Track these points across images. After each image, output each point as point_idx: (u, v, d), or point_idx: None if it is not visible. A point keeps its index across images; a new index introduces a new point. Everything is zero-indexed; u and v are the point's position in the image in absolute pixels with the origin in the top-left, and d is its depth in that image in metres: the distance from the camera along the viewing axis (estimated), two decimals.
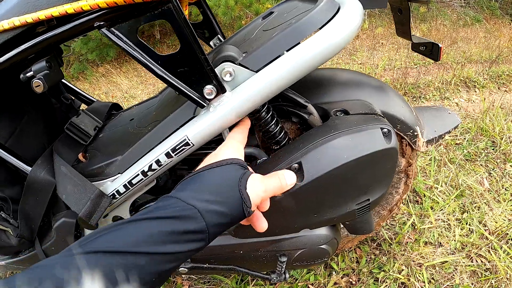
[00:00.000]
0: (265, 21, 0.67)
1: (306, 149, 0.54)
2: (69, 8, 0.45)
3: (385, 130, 0.57)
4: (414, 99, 1.82)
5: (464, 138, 1.42)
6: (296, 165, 0.54)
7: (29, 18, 0.48)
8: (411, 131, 0.72)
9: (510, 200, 1.12)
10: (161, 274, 0.34)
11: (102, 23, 0.46)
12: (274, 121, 0.57)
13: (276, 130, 0.58)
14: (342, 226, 0.75)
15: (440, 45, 0.71)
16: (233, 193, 0.39)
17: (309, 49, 0.49)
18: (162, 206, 0.36)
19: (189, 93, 0.49)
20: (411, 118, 0.73)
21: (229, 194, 0.39)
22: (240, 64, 0.50)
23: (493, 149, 1.37)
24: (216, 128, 0.51)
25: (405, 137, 0.73)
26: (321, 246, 0.65)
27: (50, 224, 0.71)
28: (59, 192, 0.61)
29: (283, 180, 0.47)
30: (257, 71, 0.50)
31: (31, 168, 0.63)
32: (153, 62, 0.48)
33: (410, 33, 0.73)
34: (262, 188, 0.43)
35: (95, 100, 0.89)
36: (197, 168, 0.43)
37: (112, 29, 0.47)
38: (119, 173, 0.60)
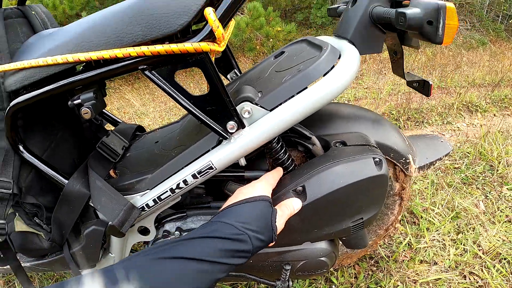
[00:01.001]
0: (277, 61, 0.82)
1: (309, 174, 0.67)
2: (119, 53, 0.59)
3: (377, 159, 0.70)
4: (416, 124, 1.97)
5: (463, 162, 1.55)
6: (301, 187, 0.67)
7: (82, 56, 0.62)
8: (404, 159, 0.86)
9: (505, 222, 1.24)
10: (216, 281, 0.48)
11: (145, 66, 0.61)
12: (283, 150, 0.71)
13: (284, 157, 0.72)
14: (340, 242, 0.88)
15: (430, 82, 0.85)
16: (268, 226, 0.56)
17: (315, 93, 0.63)
18: (220, 228, 0.51)
19: (215, 127, 0.63)
20: (404, 147, 0.86)
21: (266, 226, 0.55)
22: (256, 104, 0.64)
23: (490, 173, 1.49)
24: (235, 156, 0.65)
25: (398, 164, 0.86)
26: (321, 259, 0.78)
27: (78, 230, 0.85)
28: (94, 203, 0.75)
29: (295, 206, 0.64)
30: (271, 110, 0.64)
31: (67, 180, 0.77)
32: (186, 100, 0.62)
33: (404, 72, 0.87)
34: (282, 221, 0.60)
35: (120, 121, 1.04)
36: (237, 200, 0.59)
37: (153, 71, 0.61)
38: (148, 189, 0.74)
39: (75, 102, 0.66)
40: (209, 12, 0.56)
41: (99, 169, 0.82)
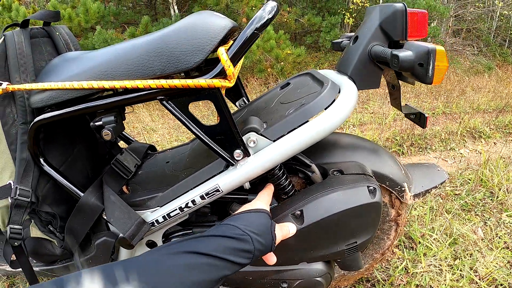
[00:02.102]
0: (283, 92, 0.90)
1: (307, 200, 0.74)
2: (140, 84, 0.68)
3: (371, 187, 0.77)
4: (420, 150, 2.03)
5: (463, 189, 1.59)
6: (299, 212, 0.74)
7: (107, 84, 0.70)
8: (399, 187, 0.92)
9: (503, 248, 1.28)
10: (222, 278, 0.54)
11: (163, 97, 0.69)
12: (284, 176, 0.78)
13: (285, 183, 0.79)
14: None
15: (426, 115, 0.92)
16: (268, 232, 0.63)
17: (315, 126, 0.70)
18: (227, 229, 0.58)
19: (223, 154, 0.71)
20: (399, 176, 0.92)
21: (266, 232, 0.62)
22: (261, 135, 0.72)
23: (490, 199, 1.53)
24: (241, 181, 0.72)
25: (393, 192, 0.92)
26: (316, 279, 0.83)
27: (89, 240, 0.92)
28: (107, 216, 0.82)
29: (290, 230, 0.72)
30: (274, 141, 0.72)
31: (82, 193, 0.85)
32: (198, 129, 0.70)
33: (401, 105, 0.94)
34: (280, 233, 0.67)
35: (133, 139, 1.12)
36: (241, 211, 0.67)
37: (170, 102, 0.70)
38: (158, 206, 0.81)
39: (97, 123, 0.75)
40: (221, 52, 0.64)
41: (113, 184, 0.89)
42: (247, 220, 0.62)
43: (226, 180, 0.73)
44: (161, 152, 1.07)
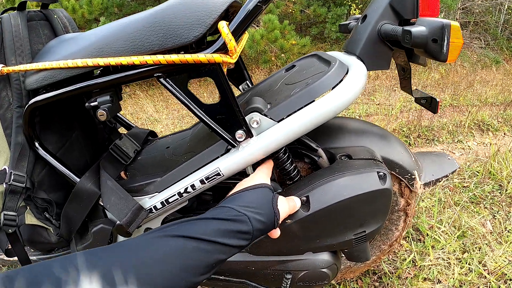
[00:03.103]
0: (288, 74, 0.85)
1: (313, 185, 0.70)
2: (136, 60, 0.63)
3: (381, 173, 0.72)
4: (427, 142, 1.97)
5: (472, 181, 1.54)
6: (304, 198, 0.69)
7: (101, 62, 0.66)
8: (409, 174, 0.87)
9: None
10: (217, 263, 0.49)
11: (160, 74, 0.65)
12: (289, 161, 0.74)
13: (290, 168, 0.74)
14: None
15: (437, 100, 0.87)
16: (269, 208, 0.58)
17: (321, 106, 0.66)
18: (221, 211, 0.53)
19: (224, 135, 0.66)
20: (410, 163, 0.88)
21: (266, 208, 0.57)
22: (265, 115, 0.67)
23: (499, 192, 1.48)
24: (243, 164, 0.68)
25: (403, 180, 0.87)
26: (322, 270, 0.79)
27: (86, 228, 0.88)
28: (103, 202, 0.78)
29: (296, 203, 0.67)
30: (278, 121, 0.67)
31: (79, 178, 0.81)
32: (198, 108, 0.66)
33: (411, 89, 0.89)
34: (286, 206, 0.63)
35: (133, 125, 1.08)
36: (239, 189, 0.61)
37: (168, 79, 0.65)
38: (156, 192, 0.77)
39: (92, 104, 0.71)
40: (222, 25, 0.60)
41: (111, 170, 0.85)
42: (244, 199, 0.57)
43: (227, 163, 0.68)
44: (162, 138, 1.03)
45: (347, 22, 0.96)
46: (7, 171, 0.82)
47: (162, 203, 0.75)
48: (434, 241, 1.22)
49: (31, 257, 0.94)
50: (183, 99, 0.65)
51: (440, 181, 0.97)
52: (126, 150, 0.89)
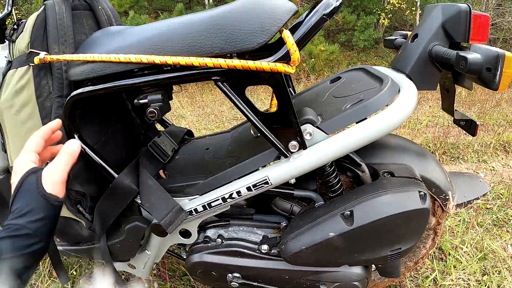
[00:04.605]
0: (334, 86, 0.92)
1: (358, 200, 0.77)
2: (195, 61, 0.69)
3: (422, 193, 0.80)
4: (452, 160, 2.07)
5: (495, 204, 1.64)
6: (349, 212, 0.77)
7: (157, 59, 0.70)
8: (444, 195, 0.96)
9: None
10: (19, 273, 0.56)
11: (218, 78, 0.71)
12: (334, 174, 0.81)
13: (334, 181, 0.82)
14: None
15: (477, 123, 0.95)
16: (39, 200, 0.60)
17: (374, 124, 0.73)
18: (7, 226, 0.58)
19: (277, 144, 0.73)
20: (445, 184, 0.96)
21: (37, 202, 0.60)
22: (317, 127, 0.75)
23: None
24: (292, 175, 0.75)
25: (438, 199, 0.96)
26: (354, 283, 0.87)
27: (118, 224, 0.94)
28: (142, 200, 0.85)
29: (69, 153, 0.67)
30: (330, 135, 0.75)
31: (117, 174, 0.87)
32: (254, 115, 0.73)
33: (453, 110, 0.97)
34: (55, 177, 0.62)
35: (169, 122, 1.15)
36: (14, 190, 0.62)
37: (225, 83, 0.72)
38: (197, 194, 0.84)
39: (141, 101, 0.77)
40: (288, 35, 0.66)
41: (149, 168, 0.92)
42: (18, 204, 0.60)
43: (277, 173, 0.76)
44: (199, 138, 1.10)
45: (393, 37, 1.03)
46: None
47: (203, 206, 0.82)
48: (456, 261, 1.31)
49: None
50: (240, 104, 0.72)
51: (471, 203, 1.06)
52: (164, 148, 0.96)
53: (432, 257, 1.33)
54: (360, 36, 4.79)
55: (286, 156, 0.75)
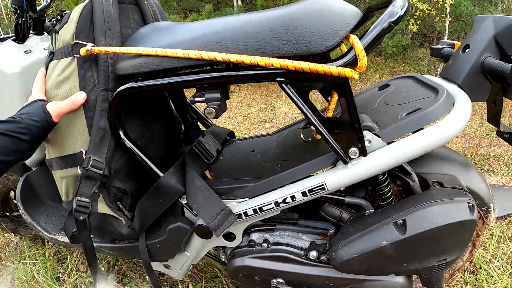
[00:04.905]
0: (384, 93, 0.99)
1: (411, 210, 0.83)
2: (261, 61, 0.72)
3: (470, 204, 0.87)
4: (482, 171, 2.15)
5: None
6: (401, 221, 0.83)
7: (219, 56, 0.73)
8: (486, 207, 1.02)
9: None
10: (15, 150, 0.83)
11: (283, 79, 0.76)
12: (386, 182, 0.87)
13: (386, 190, 0.88)
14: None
15: None
16: (39, 111, 0.87)
17: (432, 135, 0.79)
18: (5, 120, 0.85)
19: (338, 149, 0.79)
20: (488, 195, 1.03)
21: (38, 112, 0.87)
22: (376, 134, 0.81)
23: None
24: (349, 181, 0.81)
25: (480, 211, 1.03)
26: None
27: (158, 223, 0.99)
28: (189, 201, 0.90)
29: (75, 100, 0.91)
30: (388, 143, 0.81)
31: (162, 173, 0.92)
32: (316, 119, 0.78)
33: (499, 122, 1.04)
34: (56, 107, 0.89)
35: (211, 122, 1.20)
36: (21, 107, 0.91)
37: (289, 85, 0.77)
38: (247, 197, 0.90)
39: (197, 99, 0.81)
40: (356, 40, 0.71)
41: (195, 168, 0.97)
42: (22, 110, 0.89)
43: (334, 178, 0.81)
44: (242, 139, 1.15)
45: (440, 46, 1.10)
46: (84, 155, 0.92)
47: (254, 210, 0.88)
48: (487, 275, 1.39)
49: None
50: (303, 107, 0.77)
51: (510, 216, 1.13)
52: (209, 148, 1.01)
53: (464, 270, 1.40)
54: (388, 42, 4.96)
55: (345, 162, 0.80)
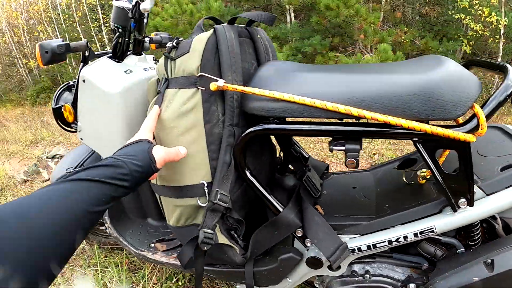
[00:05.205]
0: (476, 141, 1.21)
1: (498, 251, 1.06)
2: (405, 124, 0.88)
3: None
4: None
5: None
6: (490, 260, 1.06)
7: (368, 114, 0.88)
8: None
9: None
10: (110, 198, 0.77)
11: (417, 139, 0.94)
12: (478, 225, 1.10)
13: (476, 233, 1.10)
14: None
15: None
16: (145, 155, 0.87)
17: None
18: (105, 160, 0.82)
19: (451, 199, 0.99)
20: None
21: (143, 156, 0.87)
22: (479, 187, 1.03)
23: None
24: (455, 226, 1.02)
25: None
26: None
27: (266, 252, 1.15)
28: (309, 236, 1.07)
29: (179, 152, 0.98)
30: (488, 195, 1.03)
31: (281, 208, 1.08)
32: (439, 174, 0.98)
33: None
34: (163, 154, 0.92)
35: (308, 154, 1.36)
36: (124, 145, 0.92)
37: (420, 144, 0.96)
38: (359, 234, 1.08)
39: (337, 148, 0.98)
40: (480, 110, 0.91)
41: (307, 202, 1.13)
42: (123, 151, 0.88)
43: (443, 223, 1.02)
44: (338, 173, 1.33)
45: None
46: (205, 187, 1.05)
47: (368, 246, 1.06)
48: None
49: None
50: (430, 163, 0.96)
51: None
52: (315, 183, 1.18)
53: None
54: None
55: (454, 210, 1.01)
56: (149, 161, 0.87)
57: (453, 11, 6.62)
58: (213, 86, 0.97)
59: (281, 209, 1.08)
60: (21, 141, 6.36)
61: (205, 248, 1.05)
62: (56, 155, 4.54)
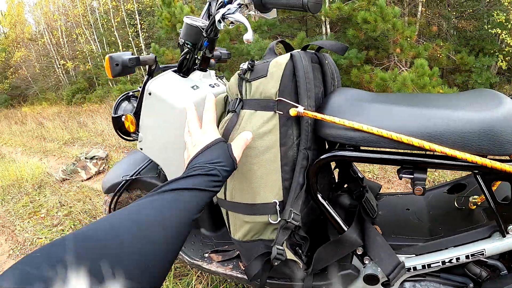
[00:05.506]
0: None
1: None
2: (469, 158, 1.05)
3: None
4: None
5: None
6: None
7: (438, 148, 1.02)
8: None
9: None
10: (204, 205, 0.87)
11: (477, 171, 1.13)
12: None
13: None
14: None
15: None
16: (228, 158, 0.98)
17: None
18: (199, 169, 0.91)
19: (502, 225, 1.19)
20: None
21: (227, 160, 0.97)
22: None
23: None
24: (503, 250, 1.20)
25: None
26: None
27: (325, 267, 1.31)
28: (372, 255, 1.24)
29: (247, 140, 1.07)
30: None
31: (346, 227, 1.26)
32: (493, 204, 1.17)
33: None
34: (239, 152, 1.02)
35: (362, 175, 1.54)
36: (201, 148, 0.99)
37: (479, 176, 1.15)
38: (414, 254, 1.27)
39: (405, 176, 1.16)
40: None
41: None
42: (210, 157, 0.96)
43: (493, 247, 1.21)
44: (390, 194, 1.52)
45: None
46: (277, 206, 1.22)
47: (423, 266, 1.24)
48: None
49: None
50: (487, 194, 1.16)
51: None
52: (372, 203, 1.37)
53: None
54: (477, 79, 5.62)
55: (504, 236, 1.22)
56: (233, 164, 0.98)
57: (489, 25, 6.88)
58: (293, 112, 1.12)
59: (345, 229, 1.26)
60: (58, 139, 6.59)
61: (276, 263, 1.21)
62: (95, 156, 4.69)
